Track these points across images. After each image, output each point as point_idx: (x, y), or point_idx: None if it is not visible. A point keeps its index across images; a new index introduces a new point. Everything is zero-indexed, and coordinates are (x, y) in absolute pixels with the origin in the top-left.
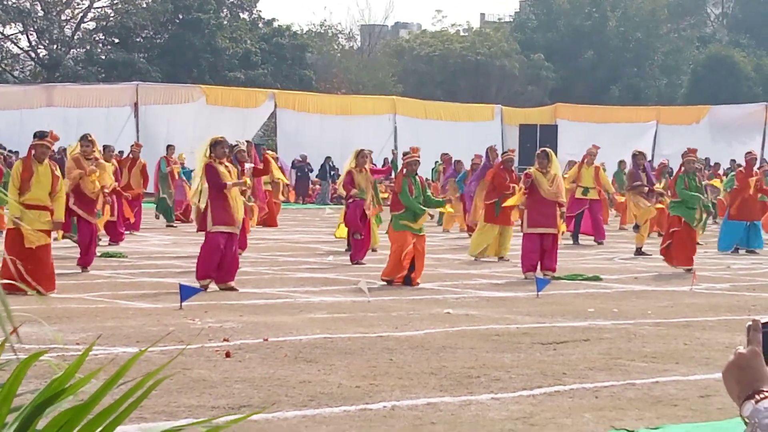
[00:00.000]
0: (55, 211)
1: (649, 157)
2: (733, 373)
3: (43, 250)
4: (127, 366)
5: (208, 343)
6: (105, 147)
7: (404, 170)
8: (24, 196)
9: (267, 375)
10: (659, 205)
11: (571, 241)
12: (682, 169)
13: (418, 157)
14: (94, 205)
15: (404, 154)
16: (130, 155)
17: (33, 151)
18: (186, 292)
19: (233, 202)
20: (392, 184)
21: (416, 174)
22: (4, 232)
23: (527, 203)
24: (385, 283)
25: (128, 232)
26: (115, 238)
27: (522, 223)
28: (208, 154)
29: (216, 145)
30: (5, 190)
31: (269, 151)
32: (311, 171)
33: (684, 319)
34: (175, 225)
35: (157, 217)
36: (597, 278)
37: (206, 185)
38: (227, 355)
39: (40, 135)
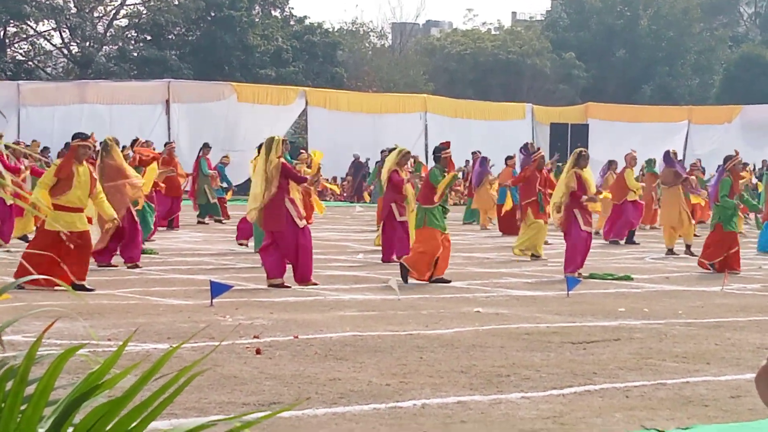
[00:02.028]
0: (103, 213)
1: (680, 157)
2: (765, 379)
3: (80, 243)
4: (162, 362)
5: (238, 340)
6: (143, 142)
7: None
8: (63, 197)
9: (297, 372)
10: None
11: (603, 241)
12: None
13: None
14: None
15: (435, 150)
16: (168, 154)
17: (75, 152)
18: (217, 289)
19: (298, 199)
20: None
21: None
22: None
23: (576, 204)
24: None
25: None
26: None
27: (576, 223)
28: (278, 154)
29: (284, 143)
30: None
31: (303, 152)
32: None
33: (715, 320)
34: (206, 222)
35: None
36: (628, 278)
37: (274, 187)
38: (257, 352)
39: (83, 136)
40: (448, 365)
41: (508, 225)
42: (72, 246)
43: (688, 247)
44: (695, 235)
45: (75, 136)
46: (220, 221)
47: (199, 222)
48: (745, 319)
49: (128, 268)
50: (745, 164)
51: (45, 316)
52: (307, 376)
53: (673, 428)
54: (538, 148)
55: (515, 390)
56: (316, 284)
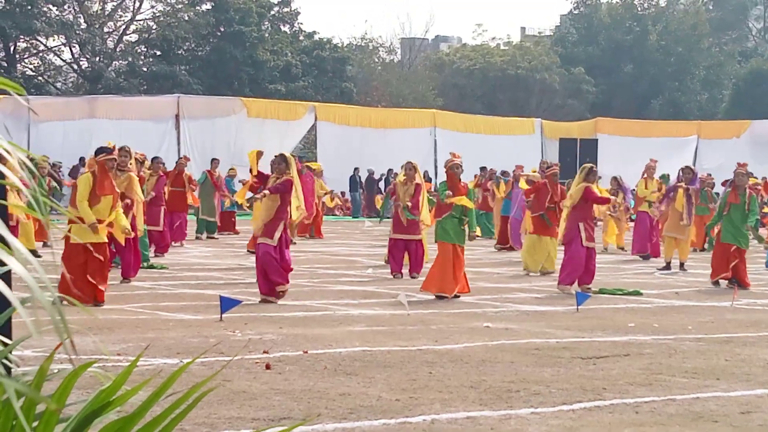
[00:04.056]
0: (116, 223)
1: None
2: None
3: (97, 259)
4: (173, 378)
5: (248, 355)
6: (154, 159)
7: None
8: (93, 209)
9: (307, 387)
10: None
11: (612, 256)
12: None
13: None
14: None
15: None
16: (176, 169)
17: (104, 166)
18: (226, 304)
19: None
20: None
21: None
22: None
23: (581, 218)
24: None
25: (177, 243)
26: (161, 249)
27: (578, 237)
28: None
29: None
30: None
31: (316, 162)
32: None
33: (725, 335)
34: (216, 237)
35: (198, 238)
36: (637, 293)
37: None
38: (267, 367)
39: (107, 150)
40: (458, 380)
41: (504, 239)
42: (101, 258)
43: (681, 264)
44: (702, 249)
45: (99, 151)
46: (212, 237)
47: (197, 237)
48: (756, 335)
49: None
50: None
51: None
52: (317, 391)
53: None
54: (554, 164)
55: (525, 405)
56: (271, 301)
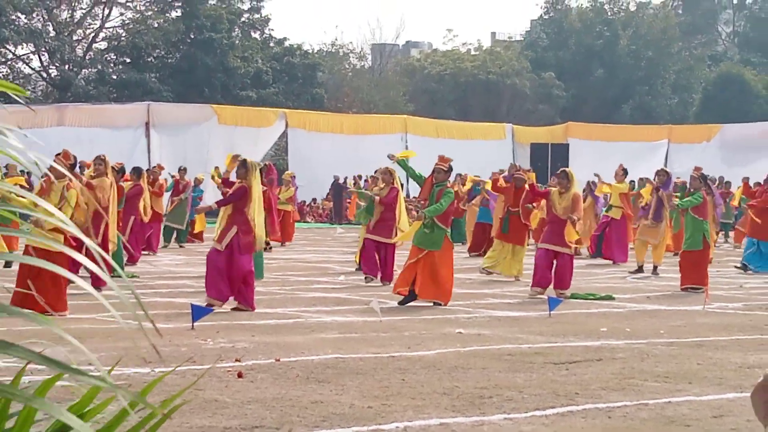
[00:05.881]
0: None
1: None
2: (760, 394)
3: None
4: (145, 392)
5: (220, 363)
6: (135, 169)
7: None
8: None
9: (279, 395)
10: None
11: (585, 261)
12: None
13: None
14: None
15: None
16: (150, 176)
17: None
18: (198, 313)
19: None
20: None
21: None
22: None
23: (544, 222)
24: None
25: (146, 252)
26: (131, 258)
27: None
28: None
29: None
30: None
31: (287, 171)
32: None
33: (697, 339)
34: (183, 245)
35: (165, 246)
36: (609, 297)
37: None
38: (239, 375)
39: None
40: (431, 387)
41: (475, 245)
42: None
43: (654, 267)
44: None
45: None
46: (182, 246)
47: (164, 246)
48: (727, 339)
49: None
50: (728, 183)
51: (28, 342)
52: (289, 399)
53: None
54: (522, 170)
55: (498, 411)
56: (210, 306)
